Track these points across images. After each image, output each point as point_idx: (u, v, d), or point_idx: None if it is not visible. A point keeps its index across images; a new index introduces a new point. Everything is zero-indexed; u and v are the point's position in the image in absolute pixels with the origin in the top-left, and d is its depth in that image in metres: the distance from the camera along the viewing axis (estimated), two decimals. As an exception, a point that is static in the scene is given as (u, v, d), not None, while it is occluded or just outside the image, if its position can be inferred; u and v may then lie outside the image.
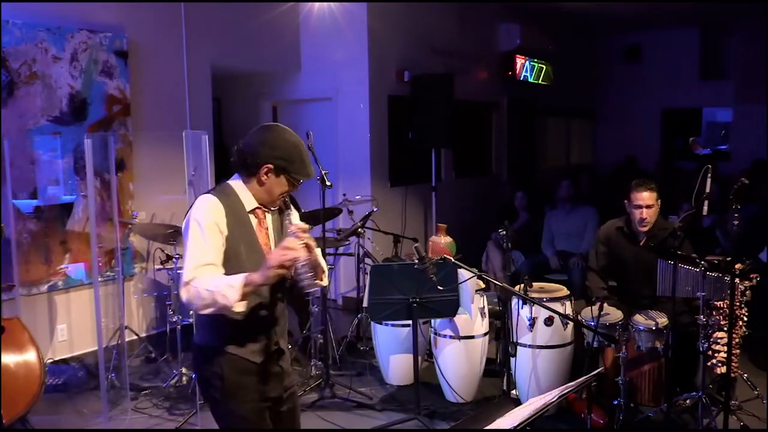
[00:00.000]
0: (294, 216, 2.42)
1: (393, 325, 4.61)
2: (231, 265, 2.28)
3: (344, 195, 5.85)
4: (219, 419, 2.47)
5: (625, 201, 4.30)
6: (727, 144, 11.53)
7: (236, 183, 2.41)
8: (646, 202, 4.20)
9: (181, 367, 4.64)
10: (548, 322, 4.13)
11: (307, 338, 5.09)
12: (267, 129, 2.40)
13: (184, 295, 2.22)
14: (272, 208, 2.45)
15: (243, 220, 2.36)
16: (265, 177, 2.34)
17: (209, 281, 2.19)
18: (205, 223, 2.26)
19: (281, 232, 2.46)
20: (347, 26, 6.72)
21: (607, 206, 6.58)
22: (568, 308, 4.25)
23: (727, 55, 10.81)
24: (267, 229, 2.44)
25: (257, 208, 2.41)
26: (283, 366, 2.51)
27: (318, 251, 2.34)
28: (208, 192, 2.39)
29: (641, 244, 4.28)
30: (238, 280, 2.17)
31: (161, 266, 5.02)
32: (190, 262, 2.24)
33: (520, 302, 4.14)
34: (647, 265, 4.06)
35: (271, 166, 2.32)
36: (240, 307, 2.18)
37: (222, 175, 6.91)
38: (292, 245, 2.19)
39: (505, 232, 4.35)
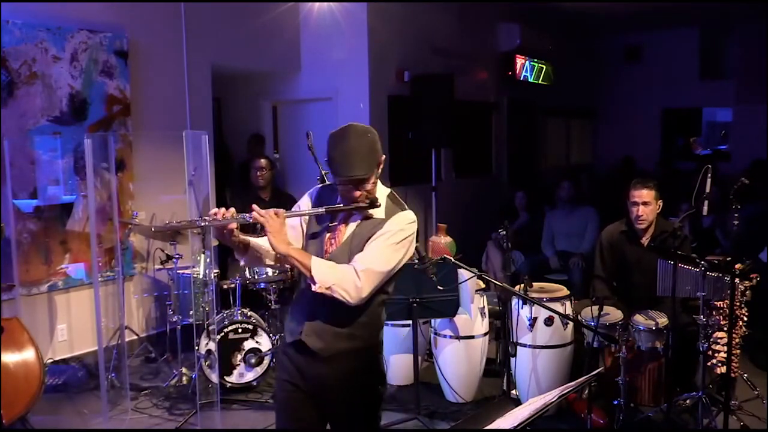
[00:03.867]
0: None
1: (393, 325, 4.60)
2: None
3: (344, 195, 5.83)
4: None
5: (627, 200, 4.30)
6: (727, 144, 11.53)
7: None
8: (642, 198, 4.20)
9: (181, 367, 4.64)
10: (548, 322, 4.13)
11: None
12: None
13: None
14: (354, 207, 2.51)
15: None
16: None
17: None
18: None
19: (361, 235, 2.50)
20: (347, 26, 6.72)
21: (607, 206, 6.59)
22: (568, 308, 4.24)
23: (727, 55, 10.81)
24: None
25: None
26: (312, 359, 2.45)
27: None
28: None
29: (645, 245, 4.27)
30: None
31: (161, 266, 5.02)
32: None
33: (520, 302, 4.14)
34: (651, 267, 4.03)
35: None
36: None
37: (222, 175, 6.96)
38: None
39: (505, 232, 4.35)
